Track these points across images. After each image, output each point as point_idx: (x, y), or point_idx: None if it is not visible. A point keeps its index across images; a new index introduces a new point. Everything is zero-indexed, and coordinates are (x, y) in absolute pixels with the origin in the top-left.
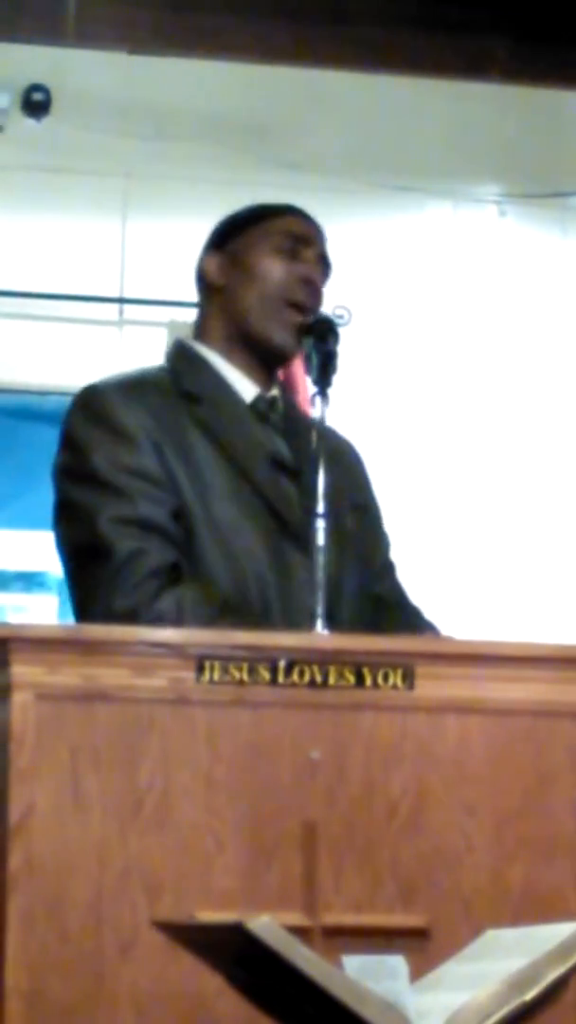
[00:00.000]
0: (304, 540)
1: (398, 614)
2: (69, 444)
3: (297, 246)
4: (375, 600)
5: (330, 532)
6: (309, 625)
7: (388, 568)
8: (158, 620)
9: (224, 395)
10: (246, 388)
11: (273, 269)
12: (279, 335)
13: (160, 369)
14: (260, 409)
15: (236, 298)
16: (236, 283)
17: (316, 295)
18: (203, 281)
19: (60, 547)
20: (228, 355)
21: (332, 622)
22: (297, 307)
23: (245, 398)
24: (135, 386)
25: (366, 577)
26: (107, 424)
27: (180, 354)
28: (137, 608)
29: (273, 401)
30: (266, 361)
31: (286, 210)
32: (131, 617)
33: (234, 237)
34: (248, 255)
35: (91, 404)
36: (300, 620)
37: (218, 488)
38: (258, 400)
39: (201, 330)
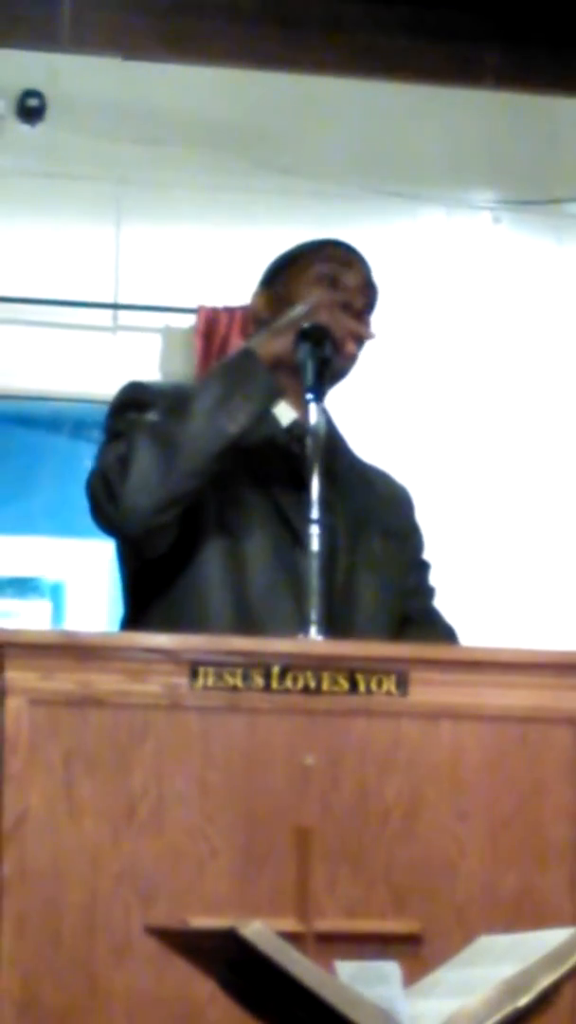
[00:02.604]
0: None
1: (424, 633)
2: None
3: (337, 273)
4: (402, 618)
5: (352, 549)
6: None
7: (421, 591)
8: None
9: (271, 420)
10: (284, 412)
11: (311, 297)
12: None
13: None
14: (295, 433)
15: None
16: (280, 315)
17: (353, 323)
18: (254, 318)
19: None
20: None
21: (344, 630)
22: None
23: (282, 422)
24: (177, 389)
25: (390, 595)
26: (143, 404)
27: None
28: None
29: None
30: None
31: (326, 242)
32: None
33: (279, 274)
34: (290, 288)
35: (130, 391)
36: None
37: (235, 493)
38: (294, 425)
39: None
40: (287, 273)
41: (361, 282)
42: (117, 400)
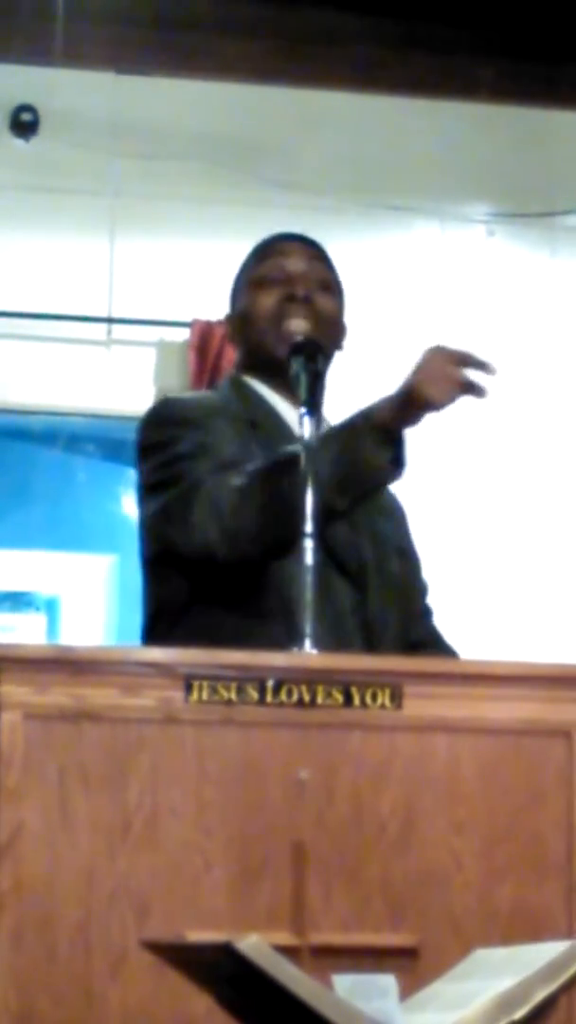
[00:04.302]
0: (347, 568)
1: (432, 655)
2: (144, 450)
3: (274, 265)
4: (412, 646)
5: (377, 573)
6: (344, 650)
7: (425, 613)
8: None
9: (276, 423)
10: (292, 417)
11: (259, 302)
12: (281, 351)
13: (219, 395)
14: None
15: (249, 347)
16: (245, 335)
17: (306, 305)
18: (233, 343)
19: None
20: (272, 385)
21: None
22: (287, 319)
23: (293, 428)
24: (206, 400)
25: (407, 620)
26: (183, 422)
27: (233, 384)
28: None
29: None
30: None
31: (261, 245)
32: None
33: (235, 295)
34: (245, 305)
35: (165, 408)
36: (342, 647)
37: None
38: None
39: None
40: (239, 292)
41: (304, 265)
42: (156, 416)
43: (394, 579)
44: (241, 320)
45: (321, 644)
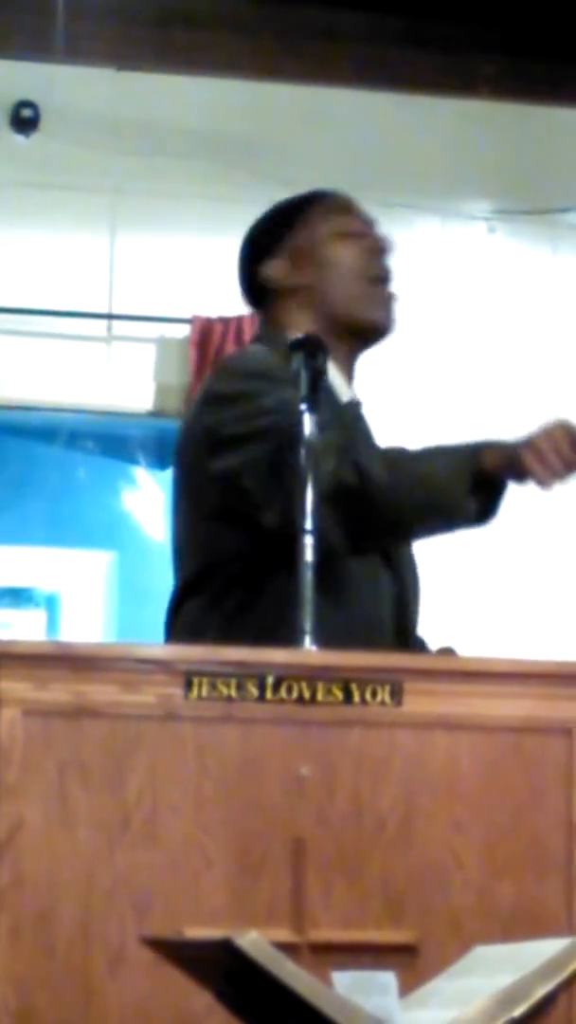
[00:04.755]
0: (389, 558)
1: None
2: (220, 399)
3: (351, 221)
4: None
5: (408, 566)
6: (380, 640)
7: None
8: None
9: (331, 397)
10: (342, 389)
11: (344, 252)
12: (377, 314)
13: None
14: (354, 412)
15: (318, 293)
16: (311, 278)
17: (389, 262)
18: (265, 289)
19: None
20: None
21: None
22: (380, 280)
23: (342, 398)
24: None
25: (418, 621)
26: (264, 374)
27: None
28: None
29: (358, 404)
30: (358, 349)
31: (321, 195)
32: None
33: (284, 237)
34: (313, 247)
35: (244, 359)
36: (377, 637)
37: None
38: (351, 404)
39: (274, 336)
40: (297, 233)
41: (367, 218)
42: (235, 366)
43: (416, 581)
44: (304, 263)
45: (361, 631)
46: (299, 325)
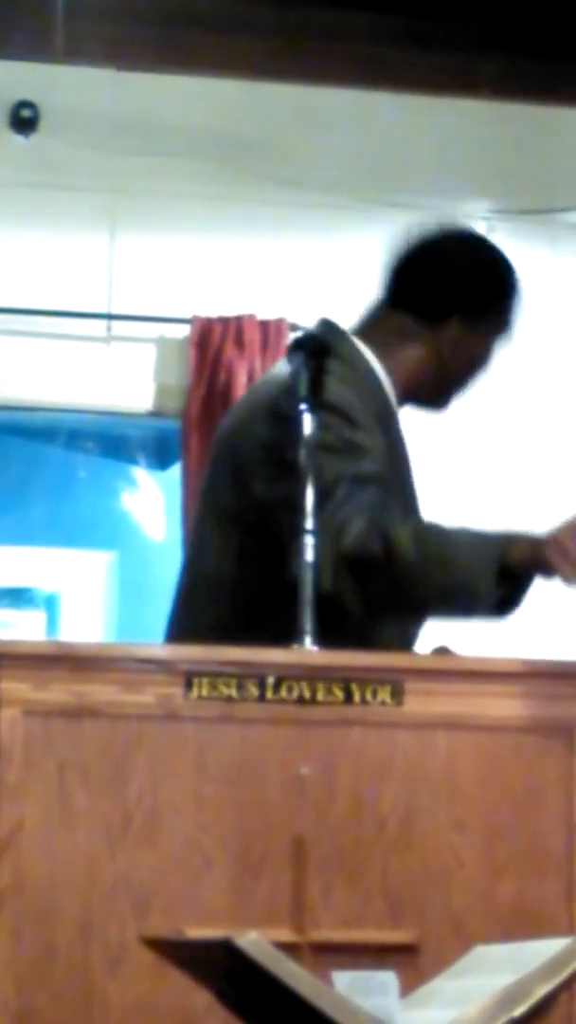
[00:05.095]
0: None
1: None
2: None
3: (506, 344)
4: None
5: None
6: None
7: None
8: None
9: (400, 437)
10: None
11: (479, 364)
12: (445, 406)
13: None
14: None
15: (444, 368)
16: (457, 358)
17: None
18: (449, 341)
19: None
20: (398, 380)
21: None
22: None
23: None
24: (359, 382)
25: None
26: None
27: (366, 365)
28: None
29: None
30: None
31: (518, 302)
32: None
33: (480, 306)
34: (482, 340)
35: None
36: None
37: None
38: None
39: (385, 344)
40: (490, 323)
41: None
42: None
43: None
44: (468, 346)
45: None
46: (407, 356)
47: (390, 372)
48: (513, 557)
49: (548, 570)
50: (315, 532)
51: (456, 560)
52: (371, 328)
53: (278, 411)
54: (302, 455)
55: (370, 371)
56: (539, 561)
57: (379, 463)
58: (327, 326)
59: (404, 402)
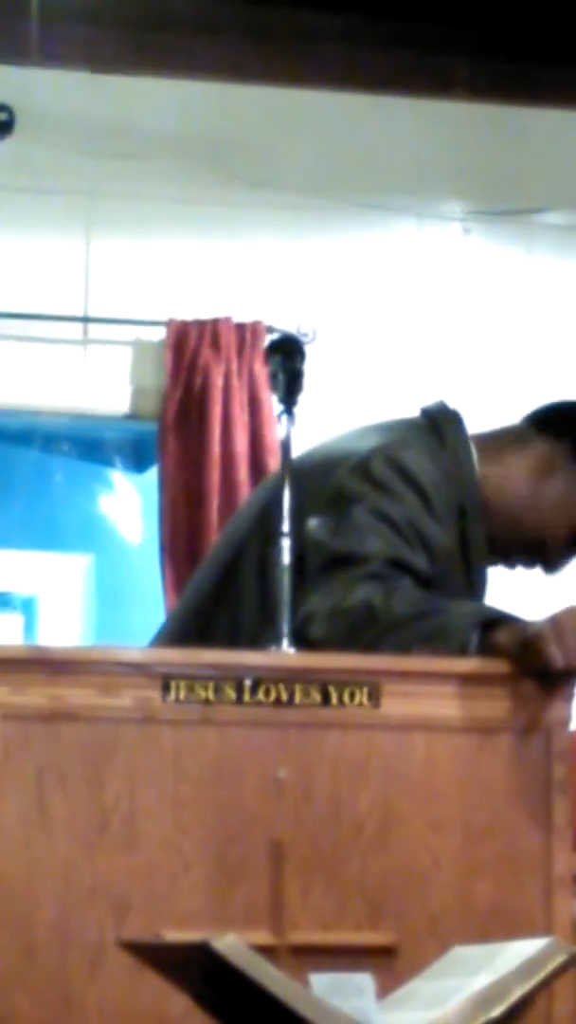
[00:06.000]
0: None
1: None
2: (366, 485)
3: None
4: None
5: None
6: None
7: None
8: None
9: (475, 525)
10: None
11: (565, 528)
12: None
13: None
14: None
15: (528, 496)
16: (546, 488)
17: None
18: (541, 458)
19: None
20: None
21: None
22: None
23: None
24: (435, 478)
25: None
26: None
27: (466, 459)
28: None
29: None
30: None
31: None
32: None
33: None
34: (572, 493)
35: (410, 465)
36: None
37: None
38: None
39: (492, 446)
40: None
41: None
42: (400, 465)
43: None
44: (556, 478)
45: None
46: (506, 460)
47: (486, 478)
48: (500, 641)
49: (538, 662)
50: (335, 573)
51: (441, 609)
52: (494, 434)
53: (366, 468)
54: (280, 456)
55: (469, 462)
56: (530, 650)
57: (436, 563)
58: (442, 410)
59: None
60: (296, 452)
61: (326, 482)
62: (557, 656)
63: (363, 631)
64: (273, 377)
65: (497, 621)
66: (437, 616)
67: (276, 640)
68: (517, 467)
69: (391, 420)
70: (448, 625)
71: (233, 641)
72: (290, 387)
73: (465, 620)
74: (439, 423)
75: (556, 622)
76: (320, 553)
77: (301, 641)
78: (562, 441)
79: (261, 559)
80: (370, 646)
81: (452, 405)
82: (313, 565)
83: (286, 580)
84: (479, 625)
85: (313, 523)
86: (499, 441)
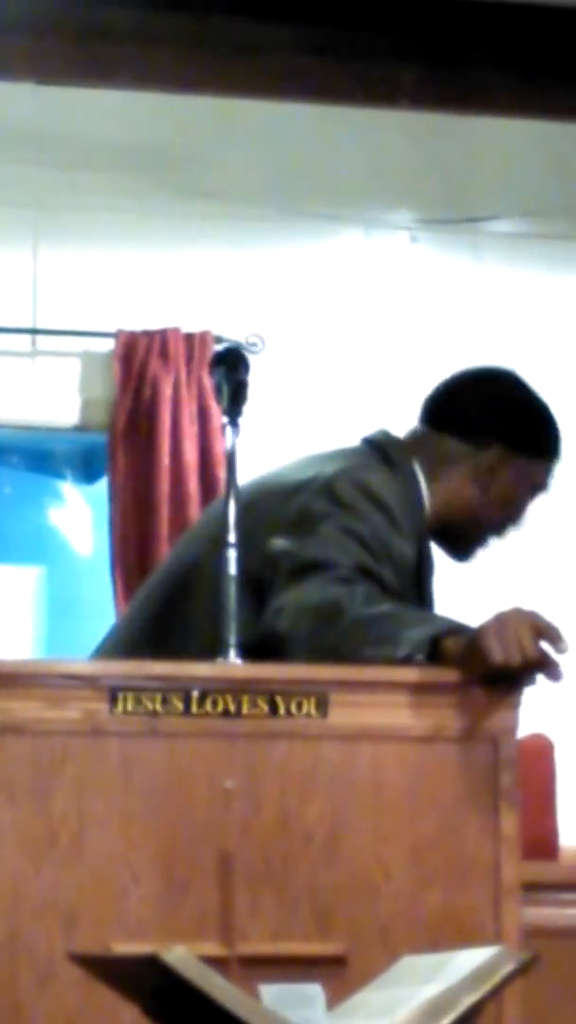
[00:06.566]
0: None
1: None
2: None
3: (539, 494)
4: None
5: None
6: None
7: None
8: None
9: (429, 548)
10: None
11: (519, 509)
12: (467, 550)
13: (405, 490)
14: None
15: (478, 502)
16: (491, 490)
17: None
18: (485, 466)
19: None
20: (435, 504)
21: None
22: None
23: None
24: (398, 502)
25: None
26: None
27: (414, 481)
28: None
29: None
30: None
31: (559, 456)
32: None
33: (520, 448)
34: (518, 481)
35: (375, 487)
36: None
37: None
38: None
39: (431, 466)
40: (530, 465)
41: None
42: (364, 487)
43: None
44: (503, 478)
45: None
46: (448, 479)
47: (432, 494)
48: (449, 649)
49: (481, 659)
50: (305, 577)
51: (403, 615)
52: (420, 448)
53: (328, 486)
54: (226, 467)
55: (418, 491)
56: (474, 652)
57: (400, 579)
58: (387, 437)
59: (434, 532)
60: (245, 466)
61: (288, 505)
62: (497, 650)
63: (329, 627)
64: (218, 389)
65: (454, 631)
66: (398, 620)
67: (223, 651)
68: (459, 478)
69: (340, 449)
70: (404, 630)
71: (187, 648)
72: (235, 398)
73: (425, 627)
74: (385, 448)
75: (499, 618)
76: (290, 560)
77: (270, 634)
78: (492, 447)
79: (216, 570)
80: (335, 642)
81: (392, 431)
82: (283, 571)
83: (232, 590)
84: (437, 634)
85: (279, 541)
86: (431, 457)
